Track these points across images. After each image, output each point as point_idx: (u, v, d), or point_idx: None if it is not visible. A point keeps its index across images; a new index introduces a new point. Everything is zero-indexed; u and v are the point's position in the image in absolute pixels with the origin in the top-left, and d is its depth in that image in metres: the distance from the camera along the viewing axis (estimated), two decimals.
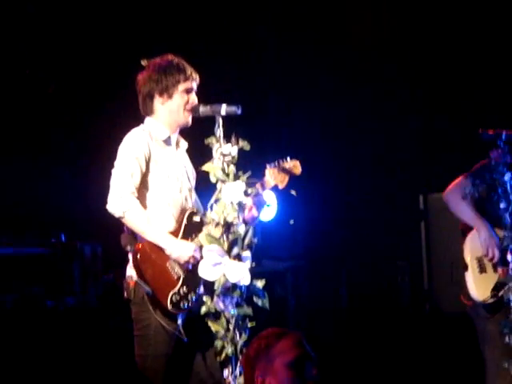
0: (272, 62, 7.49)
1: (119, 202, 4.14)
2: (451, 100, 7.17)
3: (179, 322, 4.15)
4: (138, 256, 4.17)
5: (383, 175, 7.37)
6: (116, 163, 4.24)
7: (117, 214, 4.16)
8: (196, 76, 4.38)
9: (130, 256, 4.23)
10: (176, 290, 4.15)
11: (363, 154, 7.42)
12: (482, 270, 4.85)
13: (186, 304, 4.15)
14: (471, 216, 4.92)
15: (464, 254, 4.90)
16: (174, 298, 4.13)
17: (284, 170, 4.43)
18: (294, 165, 4.45)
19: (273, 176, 4.40)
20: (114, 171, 4.23)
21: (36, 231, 6.18)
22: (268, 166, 4.42)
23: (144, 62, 4.39)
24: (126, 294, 4.24)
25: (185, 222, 4.25)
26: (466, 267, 4.87)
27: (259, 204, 4.30)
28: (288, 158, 4.45)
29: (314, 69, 7.46)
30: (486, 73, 7.02)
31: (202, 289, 4.15)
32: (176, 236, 4.22)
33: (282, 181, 4.42)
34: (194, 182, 4.48)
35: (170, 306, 4.12)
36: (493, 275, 4.83)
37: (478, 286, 4.83)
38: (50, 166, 7.00)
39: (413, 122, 7.28)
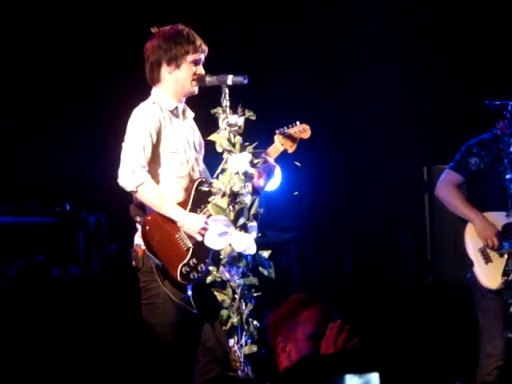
0: (279, 32, 7.45)
1: (131, 176, 4.14)
2: (455, 70, 7.15)
3: (189, 293, 4.16)
4: (147, 228, 4.17)
5: (387, 147, 7.36)
6: (126, 137, 4.23)
7: (129, 188, 4.15)
8: (205, 47, 4.36)
9: (139, 227, 4.23)
10: (186, 261, 4.16)
11: (367, 126, 7.40)
12: (488, 259, 4.85)
13: (195, 275, 4.16)
14: (464, 210, 4.94)
15: (466, 249, 4.91)
16: (183, 270, 4.14)
17: (293, 135, 4.42)
18: (303, 128, 4.46)
19: (282, 141, 4.39)
20: (124, 145, 4.22)
21: (40, 200, 6.17)
22: (277, 131, 4.41)
23: (154, 30, 4.37)
24: (134, 263, 4.25)
25: (193, 192, 4.26)
26: (472, 263, 4.87)
27: (268, 171, 4.30)
28: (297, 122, 4.45)
29: (323, 39, 7.44)
30: (490, 45, 7.00)
31: (210, 259, 4.17)
32: (185, 206, 4.23)
33: (292, 145, 4.42)
34: (202, 151, 4.47)
35: (179, 278, 4.13)
36: (499, 262, 4.83)
37: (488, 276, 4.83)
38: (54, 135, 6.99)
39: (415, 93, 7.25)
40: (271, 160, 4.38)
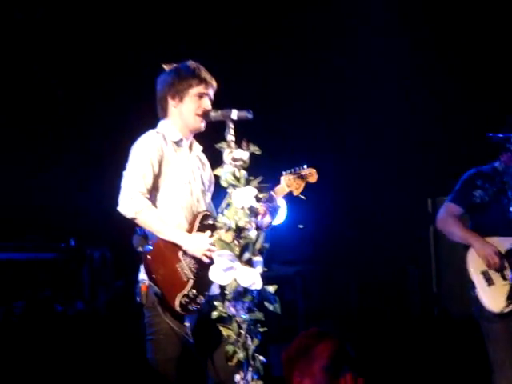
0: (284, 68, 7.48)
1: (130, 203, 4.15)
2: (459, 104, 7.17)
3: (187, 323, 4.16)
4: (149, 257, 4.17)
5: (392, 179, 7.37)
6: (128, 165, 4.25)
7: (129, 215, 4.16)
8: (212, 82, 4.38)
9: (142, 257, 4.23)
10: (185, 291, 4.15)
11: (372, 158, 7.42)
12: (490, 282, 4.84)
13: (194, 306, 4.15)
14: (461, 234, 4.96)
15: (469, 273, 4.90)
16: (183, 300, 4.14)
17: (300, 177, 4.45)
18: (310, 172, 4.48)
19: (288, 182, 4.42)
20: (125, 173, 4.24)
21: (45, 236, 6.18)
22: (284, 172, 4.44)
23: (166, 67, 4.42)
24: (138, 299, 4.25)
25: (197, 224, 4.25)
26: (474, 286, 4.85)
27: (273, 210, 4.31)
28: (305, 166, 4.48)
29: (325, 75, 7.47)
30: (493, 77, 7.03)
31: (212, 291, 4.16)
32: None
33: (298, 188, 4.45)
34: (211, 188, 4.48)
35: (178, 308, 4.13)
36: (502, 284, 4.81)
37: (491, 299, 4.81)
38: (58, 171, 7.01)
39: (421, 125, 7.28)
40: (278, 198, 4.40)
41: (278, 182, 4.43)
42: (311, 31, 7.44)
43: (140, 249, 4.23)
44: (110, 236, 6.08)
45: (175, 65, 4.42)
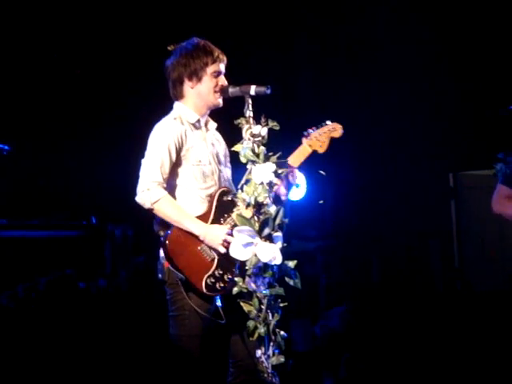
0: (303, 41, 7.45)
1: (147, 193, 4.16)
2: (482, 78, 7.12)
3: (218, 303, 4.16)
4: (168, 243, 4.18)
5: (413, 154, 7.34)
6: (146, 153, 4.26)
7: (146, 206, 4.17)
8: (223, 57, 4.36)
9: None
10: (211, 272, 4.15)
11: (393, 132, 7.39)
12: None
13: (222, 285, 4.15)
14: None
15: None
16: (208, 281, 4.14)
17: (323, 134, 4.30)
18: (333, 127, 4.32)
19: (310, 142, 4.28)
20: (143, 161, 4.24)
21: (67, 214, 6.21)
22: (305, 132, 4.30)
23: (170, 48, 4.39)
24: (160, 276, 4.26)
25: (215, 202, 4.25)
26: None
27: (287, 181, 4.26)
28: (328, 122, 4.33)
29: (346, 49, 7.43)
30: None
31: (237, 268, 4.15)
32: (208, 216, 4.23)
33: (322, 146, 4.29)
34: (227, 163, 4.47)
35: (205, 289, 4.13)
36: None
37: None
38: (80, 148, 7.05)
39: (443, 99, 7.23)
40: (298, 163, 4.29)
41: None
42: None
43: (161, 233, 4.24)
44: (131, 213, 6.10)
45: (181, 44, 4.39)
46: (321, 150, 4.31)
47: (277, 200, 4.11)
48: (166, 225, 4.22)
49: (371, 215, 7.52)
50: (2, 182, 6.63)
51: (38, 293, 5.46)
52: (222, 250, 4.15)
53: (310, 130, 4.31)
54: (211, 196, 4.28)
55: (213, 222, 4.23)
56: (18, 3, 6.94)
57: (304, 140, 4.30)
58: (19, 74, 7.03)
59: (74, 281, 5.59)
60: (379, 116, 7.39)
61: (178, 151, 4.26)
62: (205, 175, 4.31)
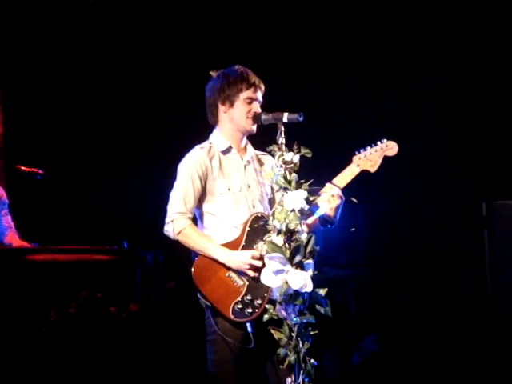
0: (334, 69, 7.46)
1: (171, 225, 4.28)
2: None
3: (249, 330, 4.16)
4: (194, 270, 4.21)
5: (446, 182, 7.30)
6: (175, 183, 4.31)
7: (171, 237, 4.27)
8: (260, 85, 4.40)
9: None
10: (239, 298, 4.16)
11: (425, 159, 7.35)
12: None
13: (250, 311, 4.15)
14: None
15: None
16: (236, 307, 4.14)
17: (374, 153, 4.26)
18: (386, 145, 4.28)
19: (359, 162, 4.24)
20: (170, 194, 4.30)
21: (99, 238, 6.24)
22: (357, 151, 4.27)
23: (213, 73, 4.43)
24: (200, 301, 4.27)
25: (247, 228, 4.27)
26: None
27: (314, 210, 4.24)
28: (384, 140, 4.30)
29: (373, 72, 7.42)
30: None
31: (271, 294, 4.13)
32: (239, 243, 4.24)
33: (373, 165, 4.26)
34: (267, 187, 4.44)
35: (232, 316, 4.14)
36: None
37: None
38: (114, 173, 7.09)
39: (477, 127, 7.20)
40: (344, 184, 4.24)
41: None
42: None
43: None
44: (163, 238, 6.12)
45: (222, 70, 4.44)
46: (372, 170, 4.27)
47: (327, 220, 4.07)
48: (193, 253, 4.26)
49: (403, 243, 7.47)
50: (35, 205, 6.68)
51: (68, 317, 5.47)
52: (251, 274, 4.15)
53: (362, 150, 4.29)
54: (245, 222, 4.29)
55: (244, 248, 4.23)
56: (52, 28, 7.03)
57: (354, 159, 4.27)
58: (53, 97, 7.10)
59: (105, 305, 5.60)
60: (412, 142, 7.35)
61: (204, 180, 4.29)
62: (237, 203, 4.32)
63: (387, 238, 7.48)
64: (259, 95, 4.40)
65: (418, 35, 7.29)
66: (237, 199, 4.34)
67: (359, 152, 4.28)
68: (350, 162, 4.28)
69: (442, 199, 7.33)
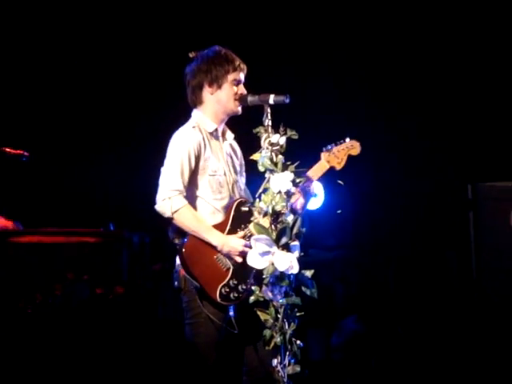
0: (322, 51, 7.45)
1: (168, 202, 4.20)
2: (502, 87, 7.09)
3: (231, 313, 4.18)
4: (184, 251, 4.20)
5: (431, 164, 7.32)
6: (165, 162, 4.29)
7: (166, 215, 4.22)
8: (244, 66, 4.41)
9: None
10: (225, 282, 4.18)
11: (411, 142, 7.37)
12: None
13: (236, 295, 4.17)
14: None
15: None
16: (223, 290, 4.16)
17: (341, 151, 4.36)
18: (351, 145, 4.38)
19: (328, 158, 4.33)
20: (162, 170, 4.27)
21: (85, 220, 6.24)
22: (324, 148, 4.36)
23: (191, 54, 4.42)
24: (176, 284, 4.28)
25: (233, 212, 4.28)
26: None
27: (306, 192, 4.28)
28: (347, 139, 4.39)
29: (365, 59, 7.42)
30: None
31: (252, 279, 4.16)
32: (225, 226, 4.24)
33: (339, 162, 4.35)
34: (243, 172, 4.49)
35: (219, 299, 4.15)
36: None
37: None
38: (98, 156, 7.07)
39: (460, 109, 7.21)
40: (317, 177, 4.33)
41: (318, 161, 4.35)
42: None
43: (176, 241, 4.26)
44: (149, 220, 6.11)
45: (202, 51, 4.41)
46: (338, 167, 4.37)
47: (294, 212, 4.11)
48: (182, 232, 4.24)
49: (388, 225, 7.49)
50: (19, 188, 6.66)
51: (54, 298, 5.47)
52: (239, 260, 4.16)
53: (329, 146, 4.36)
54: (227, 207, 4.29)
55: (229, 233, 4.25)
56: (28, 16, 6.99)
57: (322, 155, 4.34)
58: (39, 81, 7.08)
59: (91, 287, 5.60)
60: (397, 125, 7.37)
61: (197, 160, 4.28)
62: (220, 186, 4.33)
63: (374, 220, 7.49)
64: (243, 77, 4.42)
65: (400, 29, 7.30)
66: (221, 182, 4.35)
67: (327, 149, 4.37)
68: (319, 158, 4.36)
69: (428, 181, 7.34)
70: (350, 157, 4.40)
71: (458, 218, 7.04)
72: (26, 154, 5.74)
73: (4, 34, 6.97)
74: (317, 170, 4.33)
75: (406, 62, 7.34)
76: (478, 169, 7.00)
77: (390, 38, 7.33)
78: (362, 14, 7.34)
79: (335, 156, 4.35)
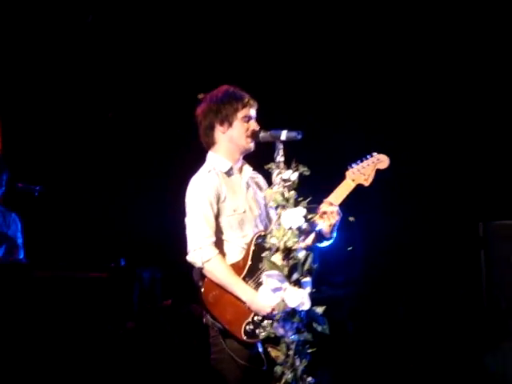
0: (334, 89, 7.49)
1: (199, 252, 4.20)
2: None
3: (259, 349, 4.14)
4: (204, 292, 4.19)
5: (443, 201, 7.32)
6: (188, 211, 4.29)
7: (197, 265, 4.22)
8: (254, 102, 4.41)
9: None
10: (250, 319, 4.14)
11: (423, 179, 7.37)
12: None
13: (261, 331, 4.13)
14: None
15: None
16: (248, 328, 4.13)
17: (367, 167, 4.30)
18: (378, 158, 4.34)
19: (353, 176, 4.28)
20: (187, 220, 4.28)
21: (97, 255, 6.25)
22: (349, 166, 4.31)
23: (200, 96, 4.44)
24: (204, 320, 4.26)
25: (252, 247, 4.24)
26: None
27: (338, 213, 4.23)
28: (374, 153, 4.35)
29: (373, 92, 7.45)
30: None
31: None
32: (245, 262, 4.22)
33: (367, 179, 4.30)
34: (265, 206, 4.44)
35: (244, 337, 4.12)
36: None
37: None
38: (111, 192, 7.10)
39: (475, 147, 7.22)
40: (341, 199, 4.24)
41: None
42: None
43: (200, 283, 4.25)
44: (160, 256, 6.14)
45: (211, 92, 4.43)
46: (366, 184, 4.30)
47: (320, 239, 4.07)
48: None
49: (399, 263, 7.47)
50: (32, 222, 6.68)
51: (66, 333, 5.46)
52: (264, 314, 4.12)
53: (354, 164, 4.31)
54: (250, 241, 4.27)
55: (250, 268, 4.20)
56: (52, 45, 7.06)
57: (347, 174, 4.29)
58: (52, 113, 7.13)
59: (102, 322, 5.59)
60: (409, 163, 7.37)
61: (218, 203, 4.27)
62: (241, 223, 4.32)
63: (384, 258, 7.47)
64: (254, 112, 4.42)
65: (412, 46, 7.32)
66: (241, 220, 4.33)
67: (351, 166, 4.31)
68: (343, 177, 4.29)
69: (439, 219, 7.33)
70: (378, 171, 4.30)
71: (469, 255, 7.03)
72: (37, 188, 5.77)
73: (20, 64, 7.03)
74: (341, 192, 4.27)
75: (417, 106, 7.36)
76: (489, 207, 6.99)
77: (399, 81, 7.36)
78: (370, 56, 7.38)
79: (361, 173, 4.29)
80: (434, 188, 7.36)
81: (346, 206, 4.31)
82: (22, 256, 6.09)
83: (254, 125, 4.39)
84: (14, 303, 5.25)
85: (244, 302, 4.17)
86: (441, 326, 7.16)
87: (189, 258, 4.24)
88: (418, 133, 7.38)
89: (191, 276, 4.33)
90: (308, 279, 3.99)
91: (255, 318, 4.15)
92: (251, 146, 4.40)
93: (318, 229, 4.20)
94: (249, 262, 4.22)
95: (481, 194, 7.20)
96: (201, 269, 4.21)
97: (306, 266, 3.98)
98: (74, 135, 7.20)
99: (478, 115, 7.25)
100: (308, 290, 3.96)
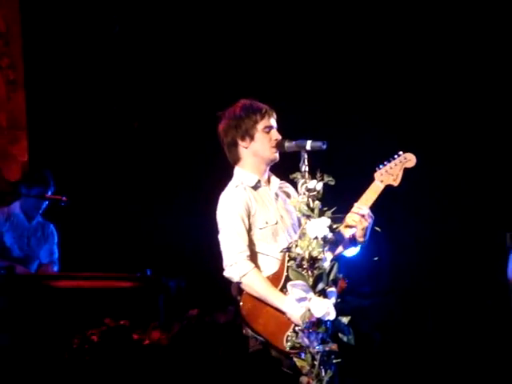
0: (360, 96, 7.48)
1: (235, 267, 4.19)
2: None
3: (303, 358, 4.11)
4: (242, 305, 4.19)
5: (470, 211, 7.29)
6: (221, 227, 4.29)
7: (234, 280, 4.21)
8: (272, 112, 4.40)
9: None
10: (291, 329, 4.11)
11: (450, 188, 7.34)
12: None
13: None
14: None
15: None
16: (289, 339, 4.10)
17: (394, 168, 4.29)
18: (405, 157, 4.32)
19: (381, 178, 4.27)
20: (220, 237, 4.28)
21: (122, 265, 6.27)
22: (377, 168, 4.30)
23: (220, 114, 4.44)
24: (244, 331, 4.25)
25: (287, 258, 4.23)
26: None
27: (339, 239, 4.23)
28: (400, 152, 4.34)
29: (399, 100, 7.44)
30: None
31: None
32: (281, 273, 4.20)
33: (395, 179, 4.29)
34: (296, 215, 4.43)
35: (287, 348, 4.10)
36: None
37: None
38: (136, 201, 7.13)
39: (503, 155, 7.18)
40: (372, 201, 4.23)
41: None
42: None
43: (238, 298, 4.24)
44: (186, 266, 6.15)
45: (228, 108, 4.44)
46: (395, 184, 4.29)
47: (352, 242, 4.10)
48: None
49: (426, 273, 7.44)
50: (58, 232, 6.72)
51: (91, 344, 5.48)
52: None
53: (381, 165, 4.30)
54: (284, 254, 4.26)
55: (286, 280, 4.18)
56: (78, 56, 7.12)
57: (375, 176, 4.28)
58: (79, 125, 7.18)
59: (128, 333, 5.61)
60: (436, 171, 7.35)
61: (248, 217, 4.28)
62: (275, 235, 4.31)
63: (411, 267, 7.45)
64: (274, 121, 4.40)
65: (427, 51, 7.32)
66: (274, 231, 4.32)
67: (379, 168, 4.30)
68: (372, 179, 4.28)
69: (466, 228, 7.30)
70: (406, 170, 4.29)
71: (496, 265, 6.98)
72: (64, 198, 5.81)
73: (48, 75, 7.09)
74: (370, 194, 4.25)
75: (442, 115, 7.34)
76: None
77: (416, 96, 7.34)
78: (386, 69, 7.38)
79: (389, 174, 4.28)
80: (461, 198, 7.33)
81: (372, 212, 4.28)
82: (55, 270, 6.13)
83: (275, 134, 4.38)
84: (38, 314, 5.28)
85: (284, 313, 4.15)
86: (469, 337, 7.12)
87: (225, 273, 4.23)
88: (448, 142, 7.35)
89: (221, 287, 4.32)
90: (333, 289, 3.98)
91: (296, 329, 4.12)
92: (276, 156, 4.39)
93: (351, 233, 4.18)
94: (284, 273, 4.20)
95: (508, 204, 7.15)
96: (238, 283, 4.20)
97: (331, 276, 3.98)
98: (103, 145, 7.24)
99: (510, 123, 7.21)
100: (333, 300, 3.95)
